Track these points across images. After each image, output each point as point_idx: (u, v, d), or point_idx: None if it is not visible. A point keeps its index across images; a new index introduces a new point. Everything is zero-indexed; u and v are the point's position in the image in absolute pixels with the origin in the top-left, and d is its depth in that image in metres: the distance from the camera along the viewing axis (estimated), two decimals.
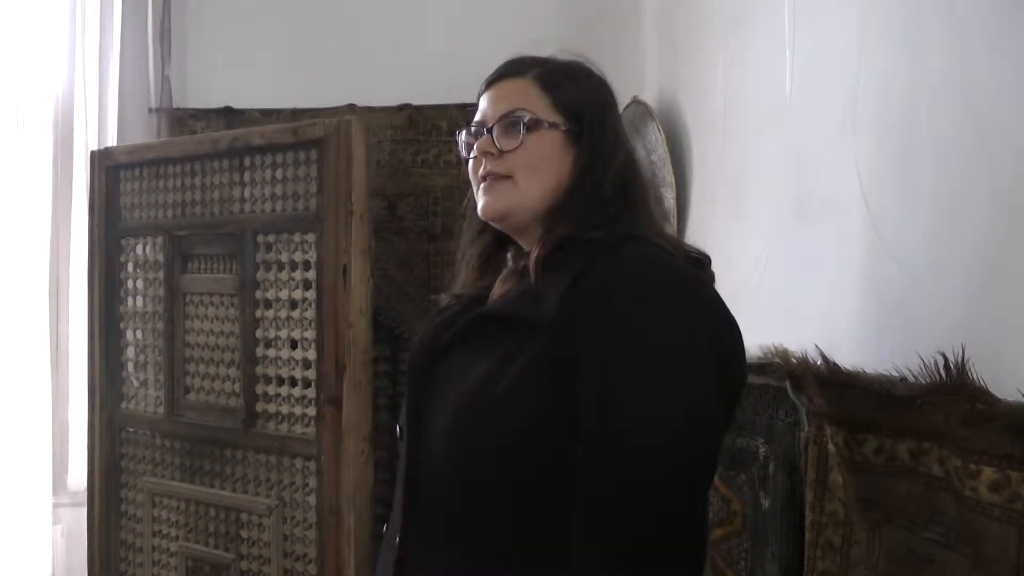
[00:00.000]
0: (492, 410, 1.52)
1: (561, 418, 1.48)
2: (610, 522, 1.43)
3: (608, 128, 1.73)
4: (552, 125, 1.68)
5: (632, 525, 1.42)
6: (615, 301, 1.50)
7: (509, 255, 1.76)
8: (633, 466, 1.43)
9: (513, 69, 1.75)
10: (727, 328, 1.57)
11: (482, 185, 1.70)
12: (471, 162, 1.74)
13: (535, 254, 1.63)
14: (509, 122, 1.68)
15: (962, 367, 1.37)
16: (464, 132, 1.77)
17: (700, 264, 1.66)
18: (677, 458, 1.45)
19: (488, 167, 1.69)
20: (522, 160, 1.67)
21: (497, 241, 1.80)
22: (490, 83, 1.76)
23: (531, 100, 1.70)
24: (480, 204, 1.71)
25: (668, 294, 1.53)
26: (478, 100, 1.77)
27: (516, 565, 1.52)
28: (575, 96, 1.72)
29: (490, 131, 1.69)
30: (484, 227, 1.79)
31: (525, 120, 1.67)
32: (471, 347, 1.63)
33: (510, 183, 1.68)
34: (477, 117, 1.75)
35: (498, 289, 1.74)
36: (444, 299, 1.84)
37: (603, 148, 1.70)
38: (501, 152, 1.68)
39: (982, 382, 1.34)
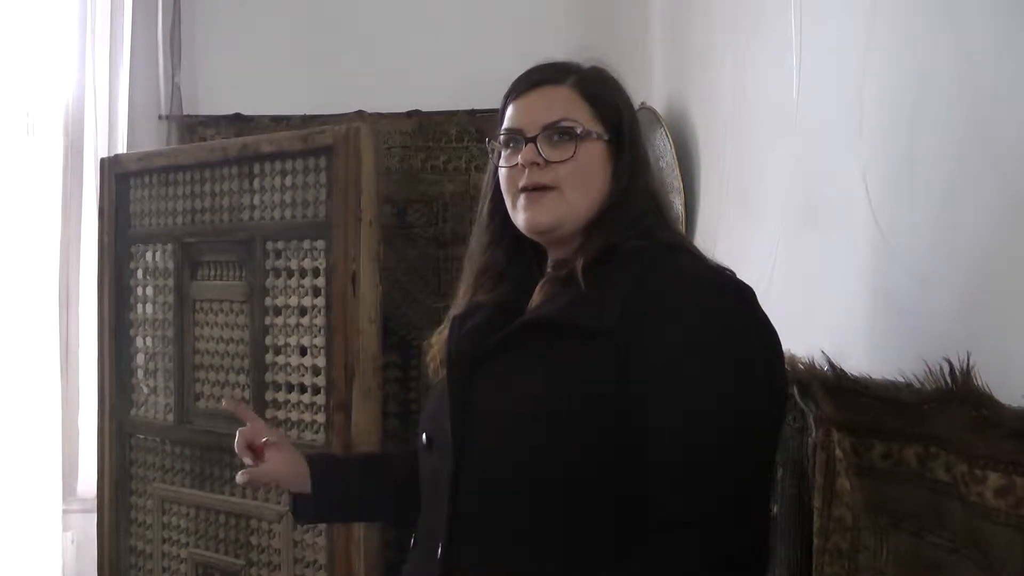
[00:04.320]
0: (556, 413, 1.54)
1: (629, 420, 1.52)
2: (685, 509, 1.49)
3: (640, 137, 1.76)
4: (598, 136, 1.68)
5: (706, 513, 1.49)
6: (680, 306, 1.55)
7: (549, 263, 1.75)
8: (705, 465, 1.50)
9: (550, 75, 1.73)
10: (774, 333, 1.62)
11: (523, 196, 1.68)
12: (507, 171, 1.71)
13: (582, 262, 1.63)
14: (558, 132, 1.66)
15: (967, 373, 1.37)
16: (494, 140, 1.74)
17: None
18: (743, 457, 1.53)
19: (532, 178, 1.66)
20: (571, 171, 1.66)
21: (515, 249, 1.79)
22: (525, 89, 1.73)
23: (576, 110, 1.68)
24: (523, 217, 1.68)
25: (728, 299, 1.59)
26: (506, 104, 1.74)
27: (583, 565, 1.54)
28: (614, 106, 1.72)
29: (533, 140, 1.67)
30: (502, 236, 1.77)
31: (578, 131, 1.66)
32: (519, 353, 1.63)
33: (557, 194, 1.66)
34: (512, 124, 1.71)
35: (537, 297, 1.73)
36: (459, 306, 1.82)
37: (640, 158, 1.72)
38: (547, 162, 1.66)
39: (987, 388, 1.33)
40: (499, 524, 1.57)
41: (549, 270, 1.74)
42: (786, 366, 1.88)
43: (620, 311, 1.54)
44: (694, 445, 1.49)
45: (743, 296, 1.60)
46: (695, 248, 1.70)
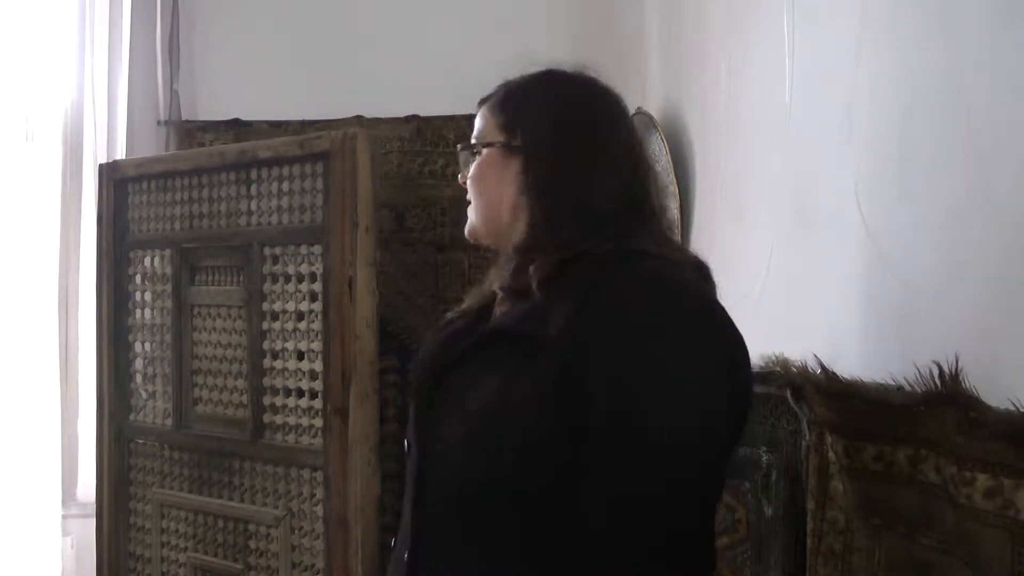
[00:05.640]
0: (503, 424, 1.53)
1: (568, 433, 1.48)
2: (618, 533, 1.44)
3: (583, 140, 1.69)
4: (487, 145, 1.72)
5: (639, 537, 1.44)
6: (624, 320, 1.49)
7: (507, 273, 1.73)
8: (642, 481, 1.44)
9: (481, 100, 1.79)
10: (737, 345, 1.56)
11: None
12: None
13: (535, 272, 1.63)
14: (468, 151, 1.76)
15: (955, 376, 1.38)
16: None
17: (701, 273, 1.64)
18: (686, 474, 1.46)
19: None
20: (472, 185, 1.75)
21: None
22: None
23: (486, 127, 1.74)
24: None
25: (678, 313, 1.52)
26: None
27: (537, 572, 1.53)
28: (532, 112, 1.71)
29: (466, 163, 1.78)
30: None
31: (472, 148, 1.75)
32: (479, 362, 1.63)
33: (471, 207, 1.76)
34: None
35: (498, 308, 1.75)
36: (454, 311, 1.86)
37: (579, 160, 1.67)
38: (466, 180, 1.77)
39: (975, 391, 1.35)
40: (457, 530, 1.58)
41: (507, 280, 1.73)
42: (779, 369, 1.89)
43: (564, 322, 1.52)
44: (640, 473, 1.44)
45: (700, 309, 1.54)
46: (669, 250, 1.64)
